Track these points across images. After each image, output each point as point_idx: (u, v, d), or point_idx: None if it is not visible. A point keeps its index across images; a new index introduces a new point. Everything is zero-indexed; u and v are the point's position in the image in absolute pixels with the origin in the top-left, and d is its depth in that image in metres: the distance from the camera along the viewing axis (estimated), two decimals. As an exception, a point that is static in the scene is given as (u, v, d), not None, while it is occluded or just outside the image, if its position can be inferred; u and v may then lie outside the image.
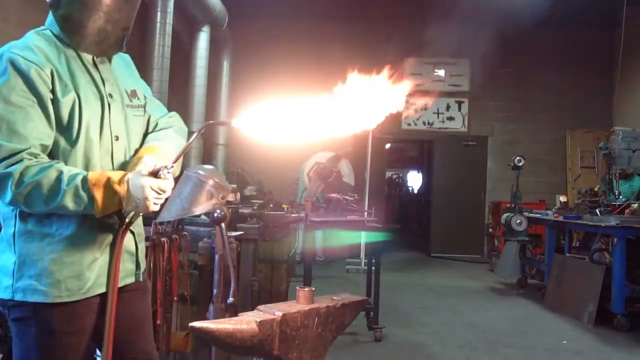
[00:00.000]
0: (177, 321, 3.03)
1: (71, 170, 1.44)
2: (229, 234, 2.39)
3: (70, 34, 1.54)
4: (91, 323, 1.57)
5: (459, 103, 10.37)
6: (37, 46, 1.48)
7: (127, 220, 1.56)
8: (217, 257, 2.00)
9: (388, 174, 17.30)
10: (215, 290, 1.92)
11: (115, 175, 1.47)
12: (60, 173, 1.41)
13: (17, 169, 1.38)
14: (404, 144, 18.16)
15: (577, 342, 4.60)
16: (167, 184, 1.50)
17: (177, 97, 8.70)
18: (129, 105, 1.64)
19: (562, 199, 9.05)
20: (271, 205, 5.64)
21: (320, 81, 8.93)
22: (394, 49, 10.37)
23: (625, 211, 5.51)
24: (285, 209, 5.66)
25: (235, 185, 6.96)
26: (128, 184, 1.46)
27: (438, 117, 10.35)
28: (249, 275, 3.47)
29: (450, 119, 10.35)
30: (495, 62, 10.33)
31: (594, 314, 5.06)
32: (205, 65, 8.13)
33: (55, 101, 1.46)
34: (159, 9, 6.50)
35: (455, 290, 6.73)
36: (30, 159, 1.40)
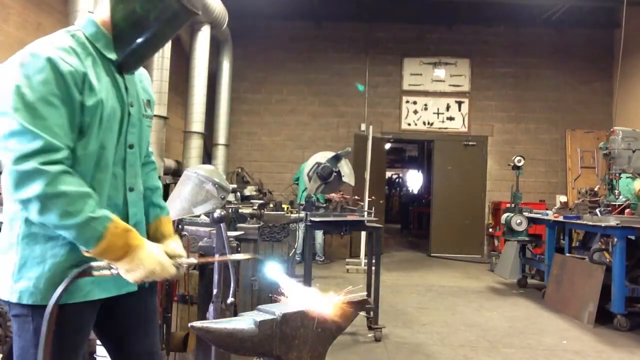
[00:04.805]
0: (177, 321, 3.03)
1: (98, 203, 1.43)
2: (229, 234, 2.39)
3: (121, 46, 1.56)
4: (91, 324, 1.57)
5: (459, 103, 10.37)
6: (72, 48, 1.48)
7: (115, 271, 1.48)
8: (217, 257, 1.99)
9: (388, 174, 17.31)
10: (215, 290, 1.92)
11: (136, 233, 1.47)
12: (91, 198, 1.39)
13: (55, 170, 1.35)
14: (404, 144, 18.20)
15: (577, 342, 4.60)
16: (174, 271, 1.50)
17: (177, 97, 8.71)
18: (144, 115, 1.68)
19: (562, 199, 9.07)
20: (271, 205, 5.64)
21: (321, 81, 9.00)
22: (394, 49, 10.41)
23: (625, 211, 5.52)
24: (285, 209, 5.67)
25: (235, 185, 6.99)
26: (144, 245, 1.45)
27: (438, 117, 10.36)
28: (249, 275, 3.47)
29: (450, 119, 10.36)
30: (495, 62, 10.35)
31: (594, 314, 5.06)
32: (205, 65, 8.12)
33: (81, 105, 1.46)
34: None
35: (455, 290, 6.74)
36: (67, 168, 1.38)
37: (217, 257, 1.68)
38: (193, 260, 1.57)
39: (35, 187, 1.33)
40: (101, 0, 1.56)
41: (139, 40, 1.55)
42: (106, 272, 1.44)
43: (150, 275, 1.45)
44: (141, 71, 1.74)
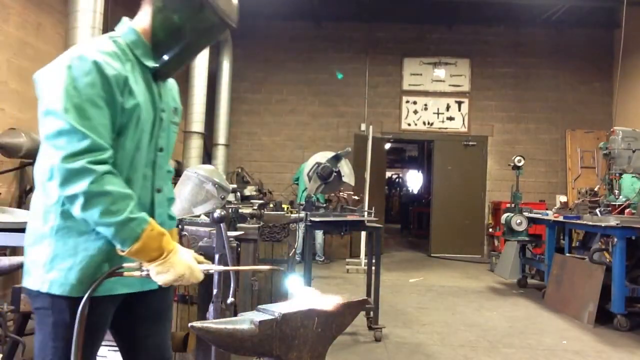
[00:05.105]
0: (177, 321, 3.03)
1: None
2: (229, 234, 2.39)
3: (159, 55, 1.62)
4: (110, 319, 1.61)
5: (459, 103, 10.37)
6: (115, 53, 1.55)
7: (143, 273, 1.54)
8: (217, 257, 1.99)
9: (388, 174, 17.30)
10: (215, 290, 1.92)
11: (169, 237, 1.53)
12: (132, 200, 1.46)
13: (101, 170, 1.41)
14: (404, 144, 18.20)
15: (577, 342, 4.60)
16: (202, 277, 1.58)
17: (177, 97, 8.69)
18: (172, 122, 1.76)
19: (562, 199, 9.07)
20: (271, 205, 5.63)
21: (321, 81, 8.99)
22: (394, 49, 10.41)
23: (625, 211, 5.52)
24: (285, 209, 5.66)
25: (235, 185, 6.98)
26: (177, 250, 1.51)
27: (438, 117, 10.36)
28: (249, 275, 3.47)
29: (450, 119, 10.36)
30: (495, 62, 10.35)
31: (594, 314, 5.06)
32: (205, 65, 8.12)
33: (121, 108, 1.52)
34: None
35: (455, 290, 6.74)
36: (112, 169, 1.44)
37: (241, 267, 1.72)
38: (220, 267, 1.60)
39: (82, 184, 1.39)
40: (142, 9, 1.62)
41: (176, 49, 1.62)
42: (136, 273, 1.50)
43: (179, 279, 1.51)
44: (171, 80, 1.81)
